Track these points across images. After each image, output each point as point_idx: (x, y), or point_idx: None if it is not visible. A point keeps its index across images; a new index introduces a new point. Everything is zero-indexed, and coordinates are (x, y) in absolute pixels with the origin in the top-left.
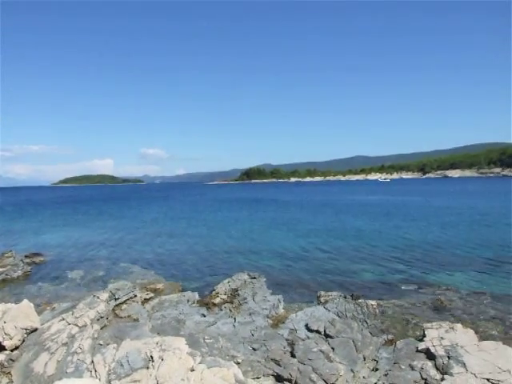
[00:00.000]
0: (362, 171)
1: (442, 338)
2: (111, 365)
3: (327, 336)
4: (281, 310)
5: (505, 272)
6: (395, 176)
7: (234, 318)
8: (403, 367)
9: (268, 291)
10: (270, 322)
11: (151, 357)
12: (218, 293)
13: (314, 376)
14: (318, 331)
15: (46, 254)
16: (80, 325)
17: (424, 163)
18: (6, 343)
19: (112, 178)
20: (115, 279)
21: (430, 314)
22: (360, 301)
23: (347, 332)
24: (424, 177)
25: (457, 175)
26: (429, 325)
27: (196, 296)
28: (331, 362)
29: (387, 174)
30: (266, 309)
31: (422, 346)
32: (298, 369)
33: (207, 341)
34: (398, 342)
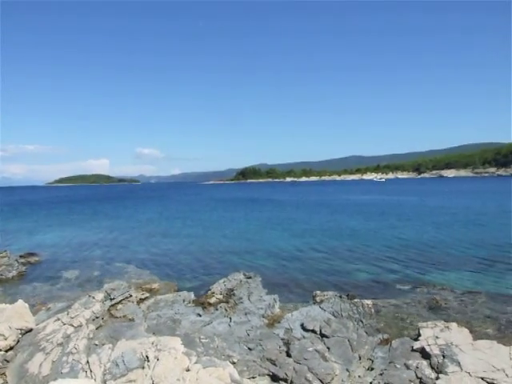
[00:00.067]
0: (358, 171)
1: (437, 337)
2: (107, 365)
3: (323, 335)
4: (276, 310)
5: (499, 271)
6: (390, 176)
7: (230, 318)
8: (398, 366)
9: (264, 291)
10: (266, 321)
11: (147, 357)
12: (213, 292)
13: (309, 375)
14: (313, 331)
15: (41, 254)
16: (75, 325)
17: (419, 163)
18: (1, 344)
19: (107, 178)
20: (110, 279)
21: (425, 313)
22: (355, 300)
23: (343, 331)
24: (419, 177)
25: (452, 175)
26: (424, 324)
27: (191, 296)
28: (327, 361)
29: (382, 173)
30: (261, 308)
31: (417, 345)
32: (294, 368)
33: (203, 340)
34: (393, 342)
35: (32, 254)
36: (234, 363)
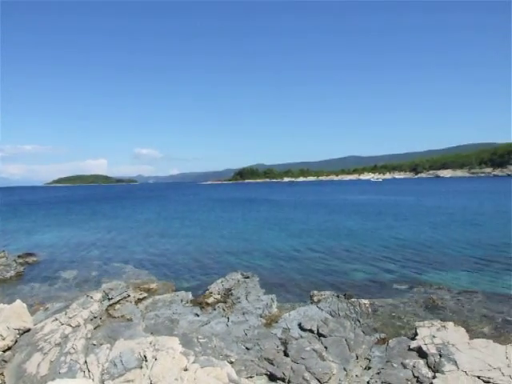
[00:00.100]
0: (355, 171)
1: (433, 336)
2: (105, 365)
3: (320, 335)
4: (274, 310)
5: (496, 271)
6: (388, 176)
7: (228, 318)
8: (395, 365)
9: (261, 291)
10: (264, 321)
11: (145, 356)
12: (211, 292)
13: (307, 375)
14: (311, 330)
15: (39, 254)
16: (73, 325)
17: (416, 163)
18: None
19: (106, 178)
20: (108, 279)
21: (421, 312)
22: (353, 300)
23: (340, 331)
24: (416, 177)
25: (448, 175)
26: (421, 323)
27: (189, 296)
28: (324, 360)
29: (380, 173)
30: (259, 308)
31: (414, 344)
32: (292, 368)
33: (201, 340)
34: (390, 341)
35: (30, 254)
36: (231, 363)
